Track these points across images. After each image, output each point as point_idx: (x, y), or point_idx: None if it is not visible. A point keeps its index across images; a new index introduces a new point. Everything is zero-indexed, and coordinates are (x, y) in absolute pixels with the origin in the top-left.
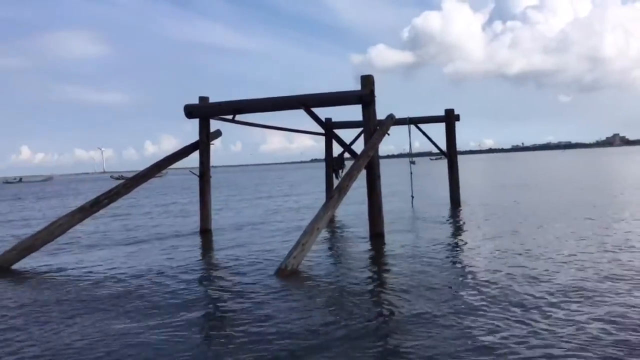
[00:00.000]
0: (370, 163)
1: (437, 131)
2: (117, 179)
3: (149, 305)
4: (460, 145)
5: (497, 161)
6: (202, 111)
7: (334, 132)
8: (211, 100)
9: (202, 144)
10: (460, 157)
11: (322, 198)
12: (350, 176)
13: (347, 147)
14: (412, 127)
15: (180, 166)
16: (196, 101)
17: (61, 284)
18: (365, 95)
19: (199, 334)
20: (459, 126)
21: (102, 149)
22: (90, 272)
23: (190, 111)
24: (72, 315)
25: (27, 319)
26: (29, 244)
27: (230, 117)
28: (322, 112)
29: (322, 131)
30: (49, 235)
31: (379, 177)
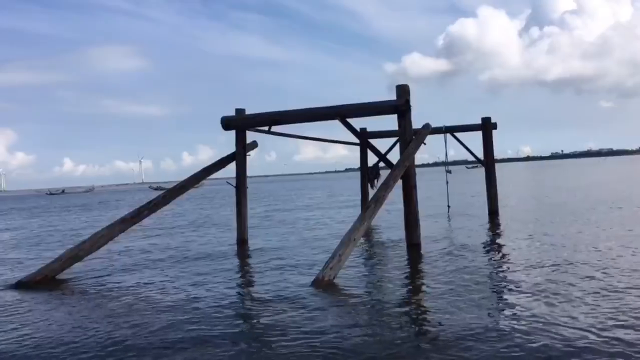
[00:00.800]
0: (407, 173)
1: (474, 139)
2: (156, 189)
3: (187, 316)
4: (498, 153)
5: (536, 169)
6: (239, 123)
7: (369, 142)
8: (247, 112)
9: (239, 156)
10: (497, 165)
11: (358, 207)
12: (387, 186)
13: (382, 157)
14: (448, 136)
15: (217, 177)
16: (232, 113)
17: (102, 295)
18: (400, 104)
19: (235, 345)
20: (496, 134)
21: (141, 160)
22: (130, 283)
23: (227, 123)
24: (115, 326)
25: (69, 329)
26: (73, 254)
27: (266, 128)
28: (357, 122)
29: (357, 141)
30: (92, 246)
31: (415, 187)
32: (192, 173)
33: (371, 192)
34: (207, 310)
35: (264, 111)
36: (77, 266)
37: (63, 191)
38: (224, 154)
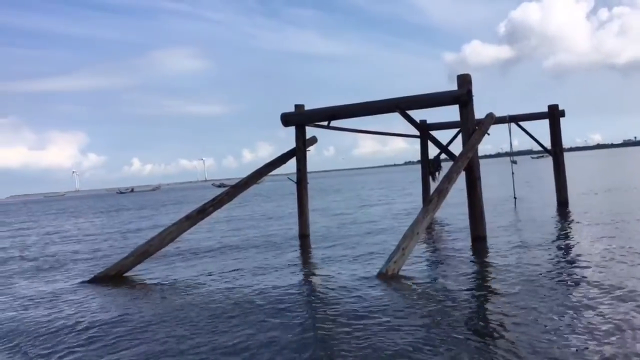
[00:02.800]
0: (470, 164)
1: (539, 129)
2: (218, 186)
3: (250, 307)
4: (566, 141)
5: (607, 157)
6: (298, 119)
7: (430, 134)
8: (306, 108)
9: (299, 151)
10: (565, 155)
11: (419, 200)
12: (450, 179)
13: (444, 149)
14: (513, 125)
15: (277, 173)
16: (290, 109)
17: (172, 288)
18: (462, 95)
19: (299, 337)
20: (563, 122)
21: (204, 158)
22: (196, 279)
23: (286, 119)
24: (188, 319)
25: (141, 325)
26: (143, 250)
27: (325, 123)
28: (416, 114)
29: (417, 133)
30: (161, 242)
31: (479, 178)
32: (252, 169)
33: (432, 185)
34: (271, 305)
35: (322, 106)
36: (148, 261)
37: (132, 190)
38: (283, 150)
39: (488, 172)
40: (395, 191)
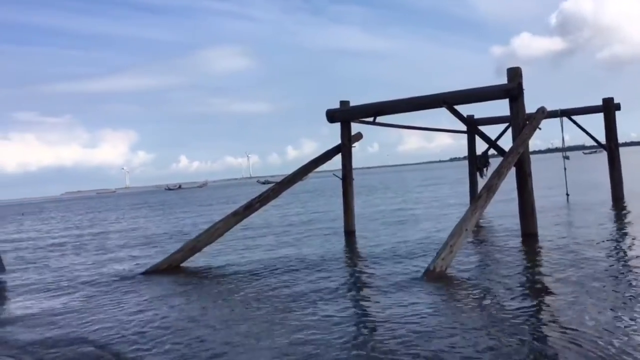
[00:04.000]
0: (521, 160)
1: (592, 123)
2: (263, 183)
3: (296, 302)
4: (620, 136)
5: None
6: (343, 115)
7: (478, 129)
8: (351, 104)
9: (344, 147)
10: (621, 150)
11: (467, 197)
12: (499, 174)
13: (493, 144)
14: (565, 119)
15: (321, 169)
16: (334, 106)
17: (219, 282)
18: (513, 88)
19: (345, 334)
20: (618, 116)
21: (249, 155)
22: (243, 271)
23: (332, 116)
24: (232, 308)
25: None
26: (192, 245)
27: (370, 119)
28: (462, 110)
29: (465, 129)
30: (209, 238)
31: (530, 174)
32: (296, 166)
33: (480, 181)
34: (317, 301)
35: (367, 102)
36: (197, 256)
37: (180, 186)
38: (327, 147)
39: (538, 168)
40: (443, 188)
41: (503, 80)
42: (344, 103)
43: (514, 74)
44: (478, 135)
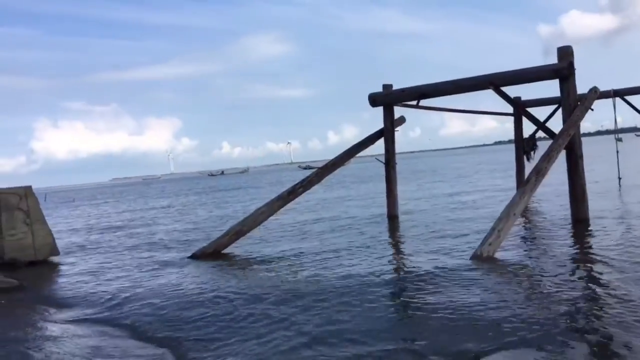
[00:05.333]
0: (571, 142)
1: None
2: (305, 168)
3: (341, 289)
4: None
5: None
6: (386, 99)
7: (526, 111)
8: (393, 88)
9: (387, 132)
10: None
11: (513, 182)
12: (549, 157)
13: (541, 125)
14: (618, 100)
15: (363, 154)
16: (375, 90)
17: (262, 265)
18: (563, 68)
19: (394, 314)
20: None
21: (290, 141)
22: (287, 254)
23: (374, 99)
24: (281, 298)
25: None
26: (237, 229)
27: (414, 103)
28: (509, 91)
29: (511, 111)
30: (254, 222)
31: (581, 157)
32: (337, 151)
33: (527, 165)
34: (365, 285)
35: (408, 86)
36: (242, 240)
37: (222, 172)
38: (368, 132)
39: (589, 152)
40: (489, 172)
41: (551, 61)
42: (386, 87)
43: (565, 53)
44: (526, 117)
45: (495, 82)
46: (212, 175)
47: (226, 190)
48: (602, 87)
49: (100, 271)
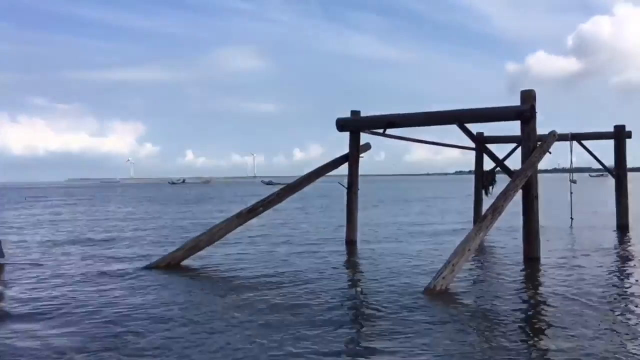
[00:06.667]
0: (528, 183)
1: (600, 146)
2: (267, 183)
3: (290, 315)
4: (629, 160)
5: None
6: (354, 124)
7: (486, 147)
8: (362, 113)
9: (352, 157)
10: (628, 175)
11: (471, 215)
12: (506, 196)
13: (500, 163)
14: (575, 143)
15: (330, 174)
16: (346, 112)
17: (215, 282)
18: (525, 111)
19: (340, 348)
20: (628, 141)
21: (254, 154)
22: (241, 271)
23: (342, 124)
24: (220, 312)
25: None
26: (193, 244)
27: (380, 130)
28: (473, 126)
29: (473, 145)
30: (210, 239)
31: (536, 197)
32: (302, 169)
33: (485, 199)
34: (313, 313)
35: (377, 111)
36: (198, 254)
37: (184, 181)
38: (334, 152)
39: (543, 189)
40: (446, 202)
41: (515, 97)
42: (354, 113)
43: (528, 96)
44: (486, 154)
45: (460, 118)
46: (174, 183)
47: (191, 202)
48: (563, 126)
49: (41, 280)
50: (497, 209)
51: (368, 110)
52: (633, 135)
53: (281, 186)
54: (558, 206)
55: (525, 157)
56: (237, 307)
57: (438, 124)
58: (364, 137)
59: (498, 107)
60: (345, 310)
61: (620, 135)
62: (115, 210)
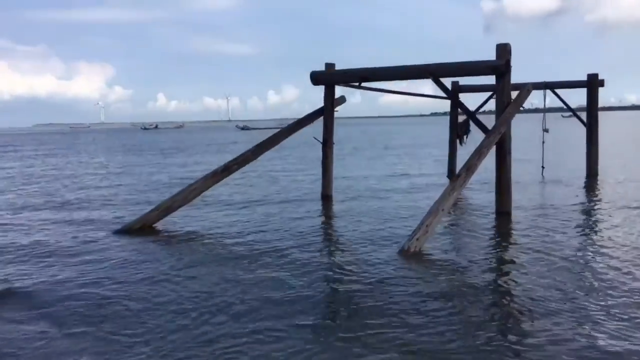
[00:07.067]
0: (502, 138)
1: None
2: (242, 128)
3: (268, 272)
4: (600, 101)
5: None
6: (328, 78)
7: (459, 100)
8: (335, 57)
9: (327, 111)
10: (598, 114)
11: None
12: (480, 154)
13: (472, 116)
14: (548, 91)
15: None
16: (321, 53)
17: (192, 242)
18: (500, 65)
19: (314, 311)
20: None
21: (229, 97)
22: (217, 231)
23: (316, 78)
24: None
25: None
26: (167, 205)
27: (356, 84)
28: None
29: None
30: (184, 199)
31: (509, 152)
32: (276, 112)
33: (459, 149)
34: (287, 275)
35: (353, 49)
36: (172, 216)
37: (156, 126)
38: (309, 94)
39: (516, 131)
40: (422, 150)
41: (491, 38)
42: (329, 66)
43: (503, 50)
44: (459, 107)
45: (435, 73)
46: (146, 128)
47: (167, 151)
48: (539, 66)
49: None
50: (470, 167)
51: (344, 55)
52: (604, 74)
53: (257, 131)
54: (529, 153)
55: (499, 112)
56: (212, 274)
57: (412, 78)
58: (339, 90)
59: (473, 62)
60: (313, 269)
61: (592, 84)
62: (88, 162)
